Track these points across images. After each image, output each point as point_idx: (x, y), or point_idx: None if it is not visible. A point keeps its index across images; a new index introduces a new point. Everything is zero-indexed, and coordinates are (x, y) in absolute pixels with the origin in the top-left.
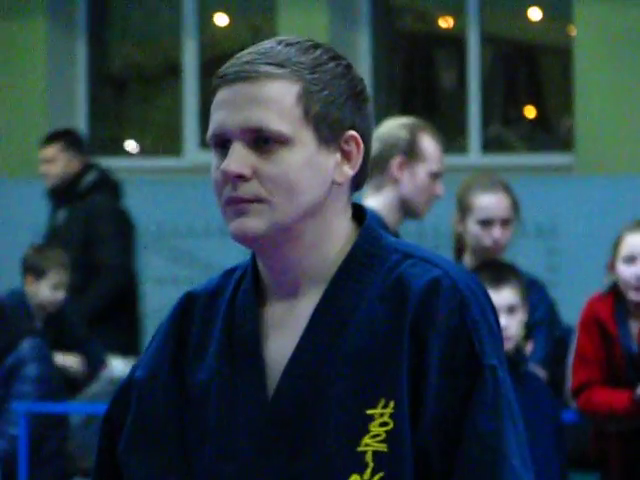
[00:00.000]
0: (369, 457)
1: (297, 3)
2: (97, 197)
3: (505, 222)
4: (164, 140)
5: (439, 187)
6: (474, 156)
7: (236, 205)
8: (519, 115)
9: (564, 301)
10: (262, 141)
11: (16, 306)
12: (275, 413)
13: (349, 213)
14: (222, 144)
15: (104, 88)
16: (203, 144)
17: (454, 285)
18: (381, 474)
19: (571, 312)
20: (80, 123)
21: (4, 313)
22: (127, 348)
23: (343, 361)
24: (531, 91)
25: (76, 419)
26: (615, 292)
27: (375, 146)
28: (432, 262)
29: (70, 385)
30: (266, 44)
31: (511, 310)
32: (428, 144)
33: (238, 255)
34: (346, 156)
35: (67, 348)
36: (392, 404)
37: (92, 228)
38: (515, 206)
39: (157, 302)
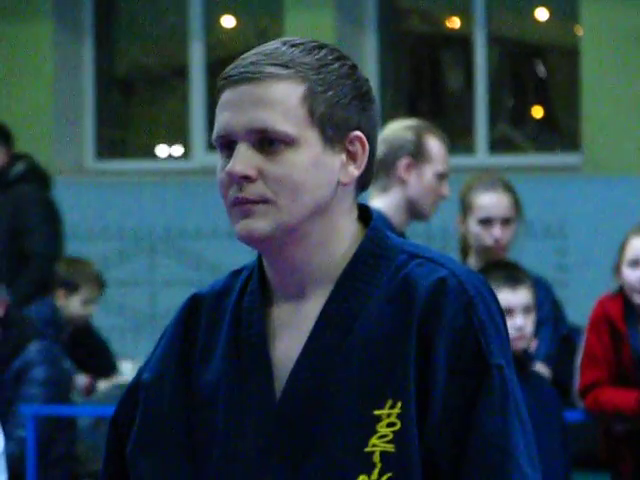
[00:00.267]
0: (376, 458)
1: (304, 5)
2: (25, 187)
3: (506, 221)
4: (172, 142)
5: (445, 188)
6: (481, 156)
7: (242, 206)
8: (526, 115)
9: (573, 301)
10: (267, 142)
11: (44, 317)
12: (282, 414)
13: (355, 214)
14: (227, 145)
15: (111, 90)
16: (210, 146)
17: (461, 285)
18: (389, 474)
19: (580, 312)
20: (87, 125)
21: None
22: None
23: (350, 362)
24: (538, 91)
25: (84, 421)
26: (624, 293)
27: (381, 148)
28: (438, 262)
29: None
30: (271, 45)
31: (527, 310)
32: (434, 145)
33: (246, 256)
34: (351, 157)
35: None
36: (399, 404)
37: (20, 217)
38: (517, 205)
39: (165, 304)
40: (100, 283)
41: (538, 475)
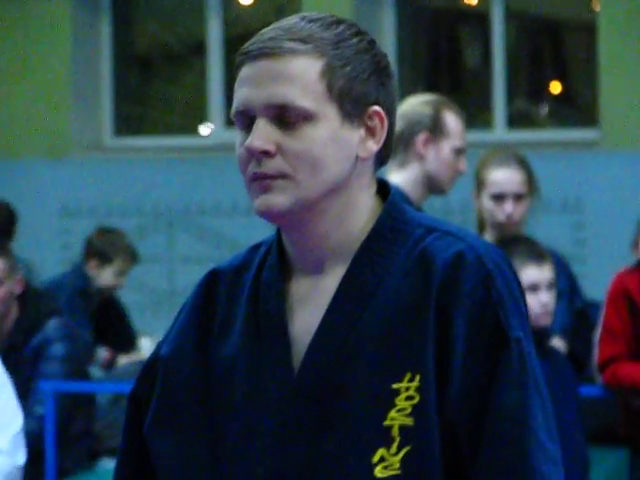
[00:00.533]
0: (395, 431)
1: None
2: None
3: (518, 197)
4: (190, 119)
5: (463, 163)
6: (499, 132)
7: (261, 181)
8: (544, 91)
9: (591, 276)
10: (286, 117)
11: (72, 281)
12: (300, 388)
13: (373, 189)
14: (246, 121)
15: (129, 67)
16: (228, 122)
17: (479, 258)
18: (407, 448)
19: (598, 286)
20: (105, 102)
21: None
22: None
23: (368, 335)
24: (556, 67)
25: (103, 398)
26: None
27: (399, 123)
28: (456, 236)
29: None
30: (289, 20)
31: (551, 286)
32: (451, 120)
33: (264, 232)
34: (370, 131)
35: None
36: (418, 378)
37: None
38: (530, 181)
39: (184, 281)
40: (133, 255)
41: (557, 448)
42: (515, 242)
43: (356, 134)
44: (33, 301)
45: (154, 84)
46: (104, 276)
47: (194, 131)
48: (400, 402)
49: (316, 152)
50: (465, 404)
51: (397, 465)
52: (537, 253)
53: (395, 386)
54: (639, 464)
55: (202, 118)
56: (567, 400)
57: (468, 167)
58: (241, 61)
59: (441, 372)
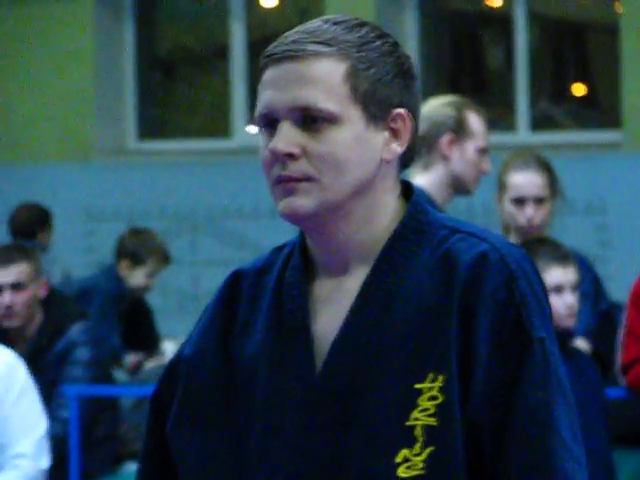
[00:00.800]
0: (418, 431)
1: None
2: None
3: (539, 200)
4: (213, 122)
5: (487, 163)
6: (523, 134)
7: (285, 184)
8: (567, 93)
9: (614, 277)
10: (310, 120)
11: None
12: (323, 388)
13: (398, 191)
14: (271, 123)
15: (152, 71)
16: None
17: (502, 259)
18: (431, 448)
19: (621, 288)
20: (129, 106)
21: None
22: None
23: (391, 336)
24: (579, 69)
25: (127, 402)
26: None
27: (422, 125)
28: (480, 237)
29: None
30: (313, 23)
31: (575, 288)
32: (474, 120)
33: (288, 236)
34: (394, 134)
35: (140, 331)
36: (441, 378)
37: None
38: (552, 185)
39: (208, 284)
40: (165, 256)
41: (581, 448)
42: (539, 244)
43: (380, 136)
44: (58, 305)
45: (177, 88)
46: (135, 277)
47: (217, 134)
48: (423, 402)
49: (340, 155)
50: (489, 404)
51: (420, 465)
52: (561, 255)
53: (418, 386)
54: None
55: (225, 121)
56: (591, 402)
57: (492, 169)
58: (265, 64)
59: (464, 372)
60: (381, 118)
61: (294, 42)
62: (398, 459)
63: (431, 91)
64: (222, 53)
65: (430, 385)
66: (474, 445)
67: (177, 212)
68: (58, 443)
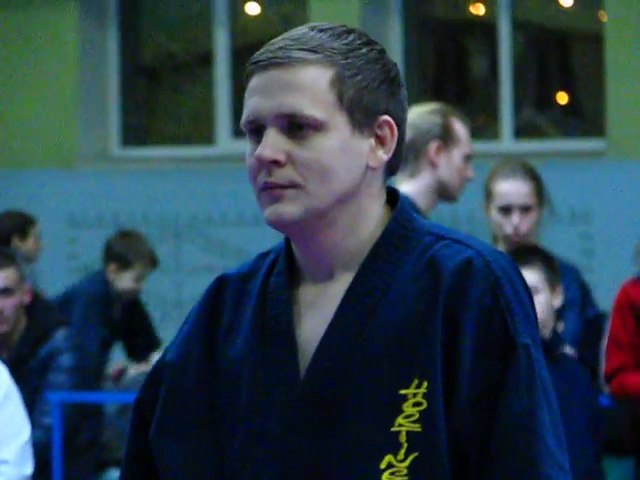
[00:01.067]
0: (403, 437)
1: None
2: None
3: (525, 209)
4: (197, 129)
5: (470, 170)
6: (506, 142)
7: (271, 191)
8: (551, 101)
9: (598, 286)
10: (296, 127)
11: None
12: (307, 393)
13: (383, 198)
14: (256, 130)
15: (136, 77)
16: (235, 133)
17: (487, 265)
18: (415, 454)
19: (605, 297)
20: (112, 112)
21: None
22: None
23: (376, 342)
24: (563, 77)
25: (110, 409)
26: None
27: (408, 132)
28: (465, 243)
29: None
30: (299, 30)
31: (536, 290)
32: (459, 128)
33: (271, 243)
34: (380, 141)
35: (136, 335)
36: (425, 384)
37: None
38: (539, 193)
39: (191, 291)
40: (153, 260)
41: (565, 455)
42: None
43: (366, 143)
44: (41, 312)
45: (161, 94)
46: (123, 281)
47: (201, 141)
48: (407, 408)
49: (326, 161)
50: (473, 411)
51: (405, 472)
52: (515, 260)
53: (402, 392)
54: None
55: (209, 128)
56: (576, 408)
57: (475, 177)
58: (251, 71)
59: (449, 378)
60: (367, 125)
61: (280, 49)
62: (382, 465)
63: (415, 99)
64: (206, 60)
65: (415, 391)
66: (458, 451)
67: (160, 219)
68: (41, 450)
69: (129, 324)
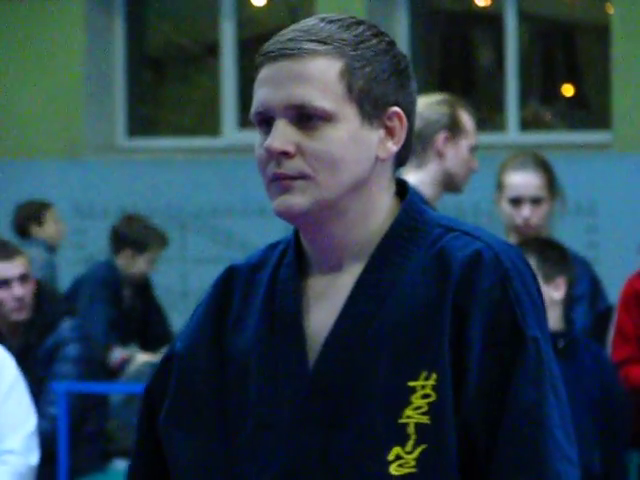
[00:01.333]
0: (411, 429)
1: None
2: None
3: (536, 201)
4: (203, 120)
5: (475, 161)
6: (512, 134)
7: (280, 182)
8: (557, 93)
9: (603, 278)
10: (305, 118)
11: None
12: (315, 384)
13: (393, 189)
14: (266, 121)
15: (142, 68)
16: (242, 124)
17: (496, 257)
18: (423, 446)
19: (610, 289)
20: (119, 103)
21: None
22: None
23: (384, 333)
24: (569, 69)
25: (116, 399)
26: None
27: (416, 123)
28: (474, 235)
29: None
30: (309, 21)
31: None
32: (466, 119)
33: (277, 234)
34: (390, 132)
35: (150, 320)
36: (434, 376)
37: None
38: (550, 185)
39: (197, 282)
40: (164, 239)
41: (573, 448)
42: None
43: (375, 135)
44: (48, 302)
45: (167, 85)
46: (138, 264)
47: (207, 132)
48: (416, 400)
49: (335, 153)
50: (481, 403)
51: (413, 463)
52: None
53: (411, 384)
54: None
55: (215, 119)
56: (581, 398)
57: (481, 169)
58: (260, 62)
59: (458, 370)
60: (376, 116)
61: (290, 40)
62: (390, 457)
63: (421, 91)
64: (212, 51)
65: (423, 383)
66: (467, 444)
67: (166, 210)
68: (47, 440)
69: (141, 308)
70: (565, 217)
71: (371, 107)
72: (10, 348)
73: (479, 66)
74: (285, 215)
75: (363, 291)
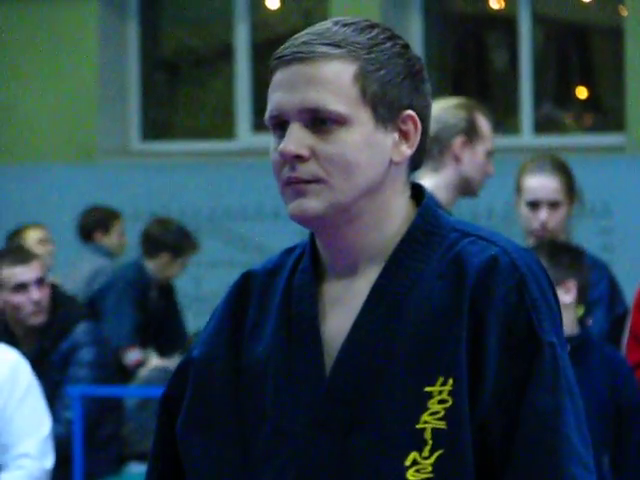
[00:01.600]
0: (428, 434)
1: None
2: None
3: (553, 204)
4: (217, 123)
5: (491, 166)
6: (526, 137)
7: (295, 186)
8: (571, 96)
9: (619, 281)
10: (319, 121)
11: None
12: (332, 390)
13: (407, 193)
14: (280, 125)
15: (156, 71)
16: (256, 127)
17: (513, 263)
18: (440, 451)
19: (626, 291)
20: (133, 106)
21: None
22: None
23: (401, 338)
24: (583, 72)
25: (131, 403)
26: None
27: (433, 127)
28: (490, 240)
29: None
30: (323, 25)
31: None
32: (483, 123)
33: (291, 237)
34: (404, 135)
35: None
36: (451, 381)
37: None
38: (569, 188)
39: (211, 285)
40: (196, 245)
41: (589, 453)
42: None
43: (390, 138)
44: (63, 305)
45: (181, 89)
46: (173, 269)
47: (221, 136)
48: (433, 405)
49: (350, 156)
50: (498, 409)
51: (429, 469)
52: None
53: (428, 389)
54: None
55: (230, 123)
56: (591, 401)
57: (495, 172)
58: (275, 66)
59: (474, 376)
60: (390, 120)
61: (304, 44)
62: (407, 462)
63: (435, 93)
64: (226, 54)
65: (440, 388)
66: (483, 449)
67: (181, 213)
68: (62, 444)
69: (164, 311)
70: (579, 219)
71: (385, 110)
72: (25, 352)
73: (493, 69)
74: (299, 219)
75: (379, 296)
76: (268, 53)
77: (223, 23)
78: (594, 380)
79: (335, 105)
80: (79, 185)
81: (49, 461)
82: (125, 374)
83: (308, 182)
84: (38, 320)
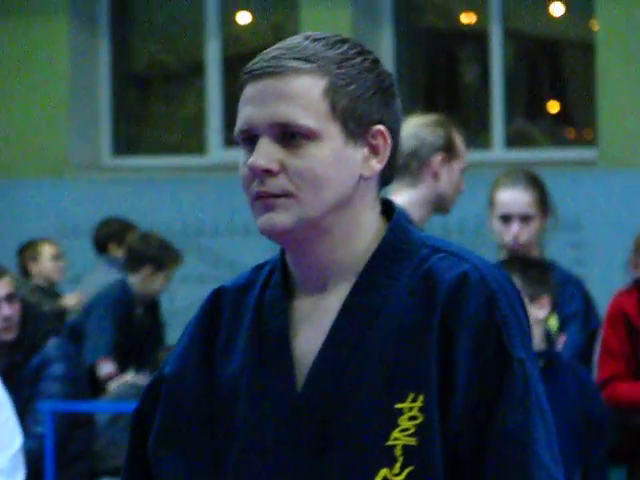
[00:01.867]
0: (398, 451)
1: (320, 0)
2: None
3: (525, 218)
4: (188, 138)
5: (463, 183)
6: (498, 151)
7: (264, 200)
8: (542, 110)
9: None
10: (289, 136)
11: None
12: (303, 407)
13: (378, 208)
14: (250, 139)
15: (127, 87)
16: (227, 142)
17: (483, 279)
18: (410, 468)
19: (597, 306)
20: (104, 122)
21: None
22: None
23: (372, 355)
24: (554, 86)
25: (102, 418)
26: (639, 287)
27: (411, 143)
28: (461, 256)
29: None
30: (293, 39)
31: None
32: (459, 141)
33: (263, 253)
34: (374, 151)
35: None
36: (421, 398)
37: None
38: (541, 202)
39: (182, 300)
40: (180, 258)
41: (560, 470)
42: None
43: (359, 153)
44: (33, 321)
45: (153, 104)
46: (155, 282)
47: (192, 151)
48: (403, 422)
49: (319, 171)
50: (468, 425)
51: None
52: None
53: (398, 406)
54: None
55: (201, 138)
56: (563, 417)
57: (466, 187)
58: (245, 80)
59: (445, 392)
60: (360, 135)
61: (274, 58)
62: (378, 479)
63: (406, 108)
64: (197, 69)
65: (410, 405)
66: (454, 465)
67: (152, 228)
68: (33, 459)
69: (149, 327)
70: (551, 233)
71: (355, 125)
72: None
73: (464, 83)
74: (269, 233)
75: (350, 313)
76: (239, 68)
77: (194, 38)
78: (565, 396)
79: (305, 120)
80: (50, 200)
81: (20, 476)
82: (97, 389)
83: (277, 196)
84: (9, 336)
